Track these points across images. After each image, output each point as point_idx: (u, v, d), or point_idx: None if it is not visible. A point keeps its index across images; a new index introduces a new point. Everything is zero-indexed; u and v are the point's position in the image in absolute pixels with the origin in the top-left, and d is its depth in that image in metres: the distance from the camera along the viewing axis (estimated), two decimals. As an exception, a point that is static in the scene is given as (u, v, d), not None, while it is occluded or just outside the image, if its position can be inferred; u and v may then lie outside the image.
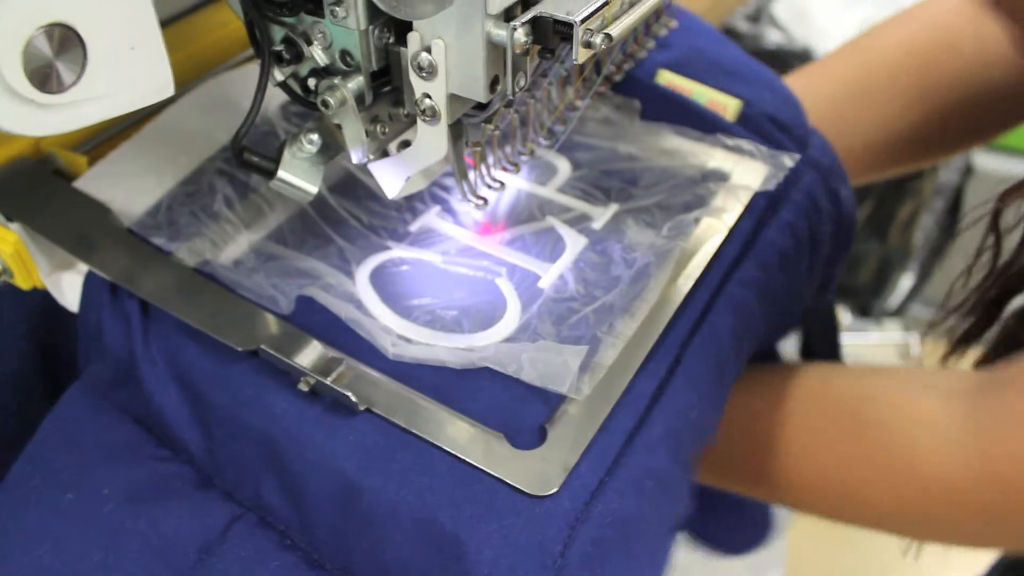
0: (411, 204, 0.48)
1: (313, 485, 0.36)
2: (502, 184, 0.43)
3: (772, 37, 1.36)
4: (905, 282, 1.48)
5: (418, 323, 0.41)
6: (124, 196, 0.44)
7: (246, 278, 0.42)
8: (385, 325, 0.41)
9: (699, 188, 0.49)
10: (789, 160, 0.49)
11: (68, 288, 0.43)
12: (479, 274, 0.44)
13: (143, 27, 0.30)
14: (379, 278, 0.44)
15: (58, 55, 0.28)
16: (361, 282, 0.43)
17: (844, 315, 1.18)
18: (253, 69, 0.50)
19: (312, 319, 0.41)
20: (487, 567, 0.33)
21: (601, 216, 0.47)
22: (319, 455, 0.36)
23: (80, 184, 0.44)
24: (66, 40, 0.28)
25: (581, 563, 0.34)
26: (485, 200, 0.42)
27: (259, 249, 0.44)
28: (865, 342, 1.25)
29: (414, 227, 0.47)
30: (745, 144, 0.50)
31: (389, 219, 0.47)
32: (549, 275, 0.44)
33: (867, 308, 1.42)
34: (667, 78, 0.53)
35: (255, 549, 0.37)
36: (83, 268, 0.43)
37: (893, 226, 1.35)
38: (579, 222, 0.47)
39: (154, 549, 0.36)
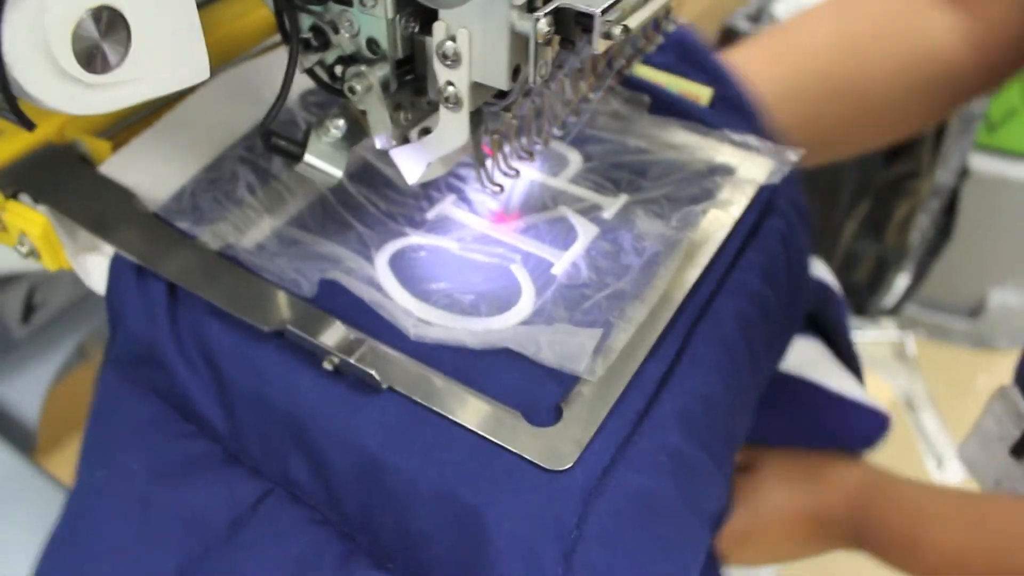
0: (427, 193, 0.49)
1: (338, 461, 0.37)
2: (517, 172, 0.44)
3: (773, 37, 1.38)
4: (901, 281, 1.50)
5: (437, 307, 0.43)
6: (149, 181, 0.46)
7: (269, 262, 0.43)
8: (405, 308, 0.42)
9: (706, 181, 0.50)
10: (793, 155, 0.50)
11: (94, 270, 0.44)
12: (494, 260, 0.46)
13: (183, 12, 0.31)
14: (398, 263, 0.45)
15: (104, 37, 0.29)
16: (380, 267, 0.44)
17: (841, 313, 1.20)
18: (272, 58, 0.52)
19: (334, 302, 0.42)
20: (505, 538, 0.34)
21: (611, 206, 0.49)
22: (343, 432, 0.38)
23: (105, 169, 0.46)
24: (113, 22, 0.29)
25: (597, 535, 0.35)
26: (501, 187, 0.43)
27: (281, 234, 0.46)
28: (862, 340, 1.26)
29: (431, 215, 0.48)
30: (751, 140, 0.52)
31: (406, 207, 0.48)
32: (562, 262, 0.45)
33: (863, 307, 1.44)
34: (642, 71, 0.55)
35: (287, 523, 0.38)
36: (109, 251, 0.44)
37: (890, 226, 1.37)
38: (590, 212, 0.49)
39: (186, 523, 0.38)
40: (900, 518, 0.59)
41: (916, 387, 1.30)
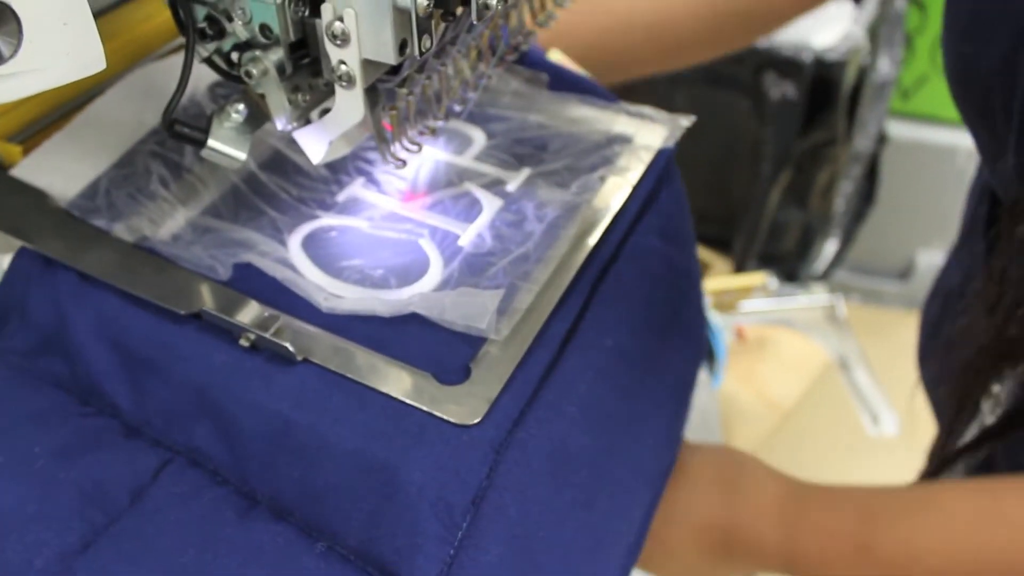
0: (337, 177, 0.51)
1: (247, 425, 0.39)
2: (419, 147, 0.46)
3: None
4: (830, 247, 1.54)
5: (349, 282, 0.45)
6: (61, 181, 0.47)
7: (184, 250, 0.45)
8: (317, 284, 0.44)
9: (605, 151, 0.53)
10: (685, 120, 0.53)
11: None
12: (403, 236, 0.48)
13: (74, 4, 0.33)
14: (310, 245, 0.47)
15: (-5, 30, 0.31)
16: (294, 249, 0.46)
17: (771, 281, 1.23)
18: (177, 59, 0.53)
19: (250, 285, 0.43)
20: (416, 488, 0.36)
21: (514, 180, 0.51)
22: (256, 398, 0.39)
23: (17, 172, 0.47)
24: (1, 15, 0.31)
25: (509, 486, 0.38)
26: (404, 162, 0.45)
27: (195, 224, 0.47)
28: (793, 306, 1.30)
29: (341, 197, 0.50)
30: (646, 110, 0.54)
31: (317, 191, 0.50)
32: (468, 234, 0.48)
33: (793, 274, 1.48)
34: (557, 56, 0.59)
35: (187, 487, 0.39)
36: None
37: (813, 194, 1.41)
38: (494, 186, 0.51)
39: (87, 496, 0.39)
40: (844, 523, 0.51)
41: (849, 348, 1.34)
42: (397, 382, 0.39)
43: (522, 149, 0.54)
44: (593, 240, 0.47)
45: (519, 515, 0.38)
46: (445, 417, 0.38)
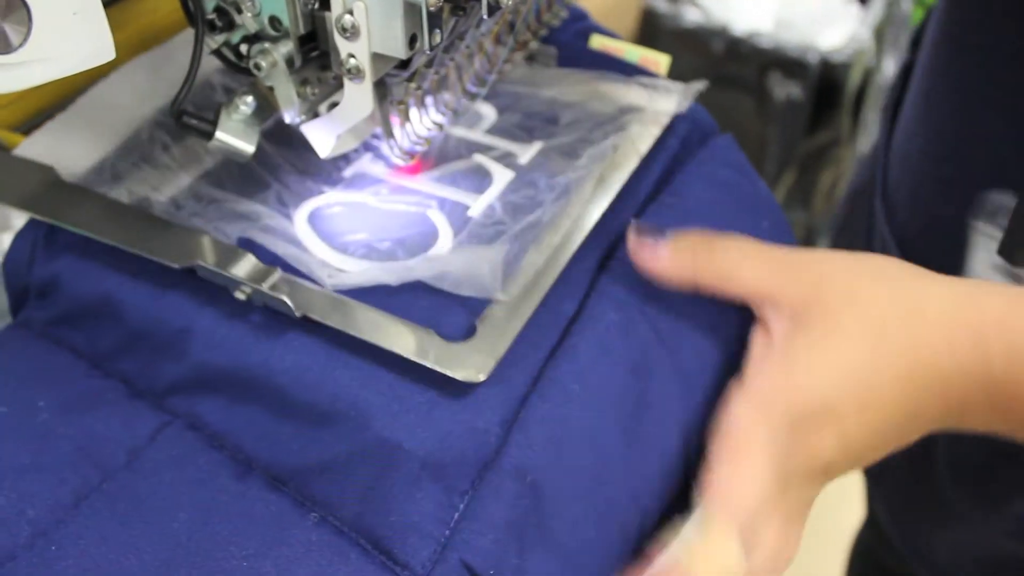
0: (344, 152, 0.51)
1: (250, 389, 0.39)
2: (427, 142, 0.46)
3: (691, 16, 1.41)
4: (831, 249, 1.54)
5: (355, 256, 0.44)
6: (68, 158, 0.47)
7: (186, 221, 0.44)
8: (323, 260, 0.43)
9: (618, 120, 0.52)
10: (698, 84, 0.53)
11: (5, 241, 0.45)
12: (411, 208, 0.47)
13: (83, -7, 0.33)
14: (316, 220, 0.46)
15: (4, 18, 0.31)
16: (299, 223, 0.46)
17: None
18: (180, 42, 0.53)
19: None
20: (417, 464, 0.36)
21: (526, 153, 0.51)
22: (256, 359, 0.39)
23: (21, 150, 0.46)
24: (11, 4, 0.31)
25: (510, 466, 0.37)
26: (411, 156, 0.45)
27: (198, 192, 0.46)
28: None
29: (348, 173, 0.49)
30: (660, 81, 0.54)
31: (323, 166, 0.50)
32: (478, 204, 0.47)
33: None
34: (600, 42, 0.57)
35: (183, 449, 0.39)
36: (17, 225, 0.45)
37: (817, 194, 1.41)
38: (505, 159, 0.51)
39: (83, 452, 0.38)
40: None
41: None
42: (399, 339, 0.38)
43: (533, 123, 0.53)
44: (605, 204, 0.46)
45: (523, 495, 0.37)
46: (450, 374, 0.37)
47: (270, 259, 0.42)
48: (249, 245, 0.43)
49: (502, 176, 0.49)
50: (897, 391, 0.37)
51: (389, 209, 0.47)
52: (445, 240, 0.45)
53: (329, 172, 0.49)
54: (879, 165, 0.64)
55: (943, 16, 0.57)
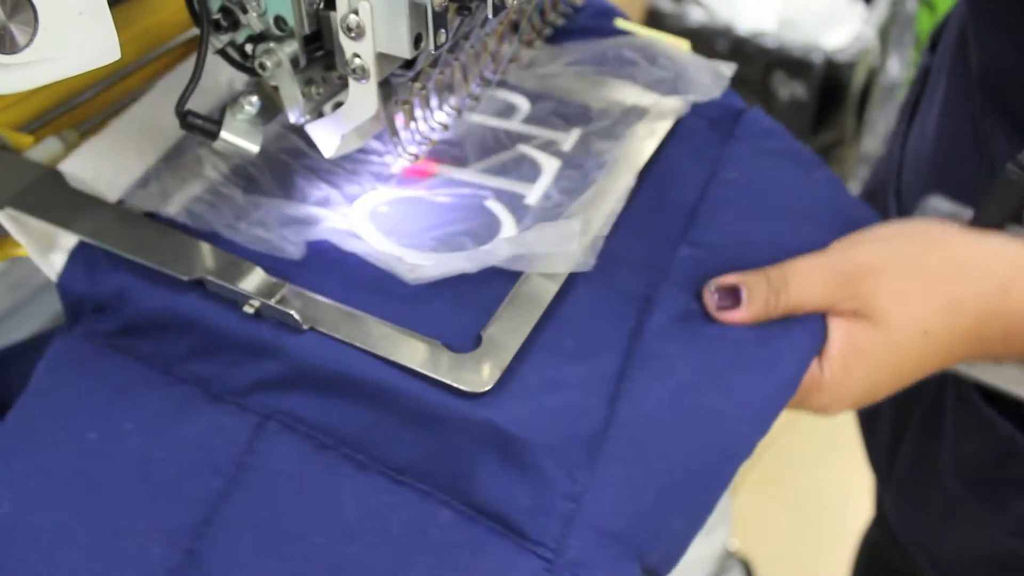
0: (387, 147, 0.51)
1: (342, 384, 0.39)
2: (432, 142, 0.46)
3: (695, 16, 1.41)
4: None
5: (425, 250, 0.45)
6: (109, 173, 0.46)
7: (249, 231, 0.44)
8: (396, 255, 0.44)
9: (652, 106, 0.53)
10: (727, 69, 0.54)
11: (58, 262, 0.45)
12: (467, 201, 0.48)
13: (89, -7, 0.33)
14: (377, 217, 0.47)
15: (11, 18, 0.31)
16: (360, 222, 0.46)
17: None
18: (215, 57, 0.52)
19: (321, 261, 0.43)
20: (537, 448, 0.37)
21: (568, 139, 0.52)
22: (346, 355, 0.39)
23: (64, 166, 0.46)
24: (18, 4, 0.31)
25: (620, 435, 0.39)
26: (416, 156, 0.45)
27: (254, 202, 0.46)
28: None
29: (395, 168, 0.50)
30: (687, 57, 0.55)
31: (371, 163, 0.50)
32: (534, 192, 0.48)
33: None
34: (623, 25, 0.58)
35: (290, 453, 0.39)
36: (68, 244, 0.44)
37: (821, 194, 1.40)
38: (548, 147, 0.51)
39: (187, 473, 0.39)
40: None
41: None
42: (409, 351, 0.39)
43: (567, 110, 0.54)
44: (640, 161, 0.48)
45: (634, 457, 0.39)
46: (459, 386, 0.38)
47: (338, 260, 0.43)
48: (317, 246, 0.43)
49: (550, 164, 0.50)
50: (939, 319, 0.45)
51: (446, 202, 0.48)
52: (509, 227, 0.46)
53: (377, 169, 0.50)
54: (894, 165, 0.65)
55: (959, 18, 0.58)
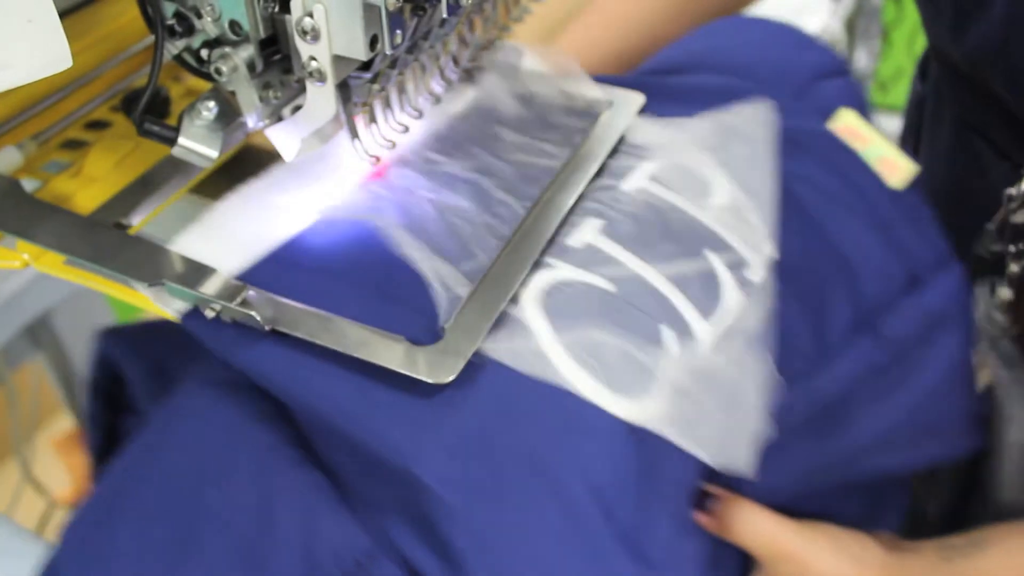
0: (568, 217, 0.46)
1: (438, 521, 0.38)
2: (393, 144, 0.46)
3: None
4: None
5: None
6: (223, 254, 0.43)
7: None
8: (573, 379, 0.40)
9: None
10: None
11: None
12: (641, 318, 0.43)
13: (38, 1, 0.33)
14: (552, 307, 0.42)
15: (-43, 28, 0.30)
16: (532, 314, 0.42)
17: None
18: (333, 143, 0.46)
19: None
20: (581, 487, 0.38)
21: (758, 264, 0.47)
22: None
23: (178, 246, 0.43)
24: (-37, 13, 0.30)
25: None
26: (378, 158, 0.45)
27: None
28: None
29: (574, 241, 0.45)
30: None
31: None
32: (704, 330, 0.44)
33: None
34: (847, 120, 0.54)
35: None
36: None
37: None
38: (737, 268, 0.47)
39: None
40: None
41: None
42: (369, 347, 0.39)
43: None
44: None
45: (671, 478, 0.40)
46: (420, 377, 0.37)
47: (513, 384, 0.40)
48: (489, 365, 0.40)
49: (733, 299, 0.45)
50: None
51: (631, 312, 0.43)
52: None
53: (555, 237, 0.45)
54: None
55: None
